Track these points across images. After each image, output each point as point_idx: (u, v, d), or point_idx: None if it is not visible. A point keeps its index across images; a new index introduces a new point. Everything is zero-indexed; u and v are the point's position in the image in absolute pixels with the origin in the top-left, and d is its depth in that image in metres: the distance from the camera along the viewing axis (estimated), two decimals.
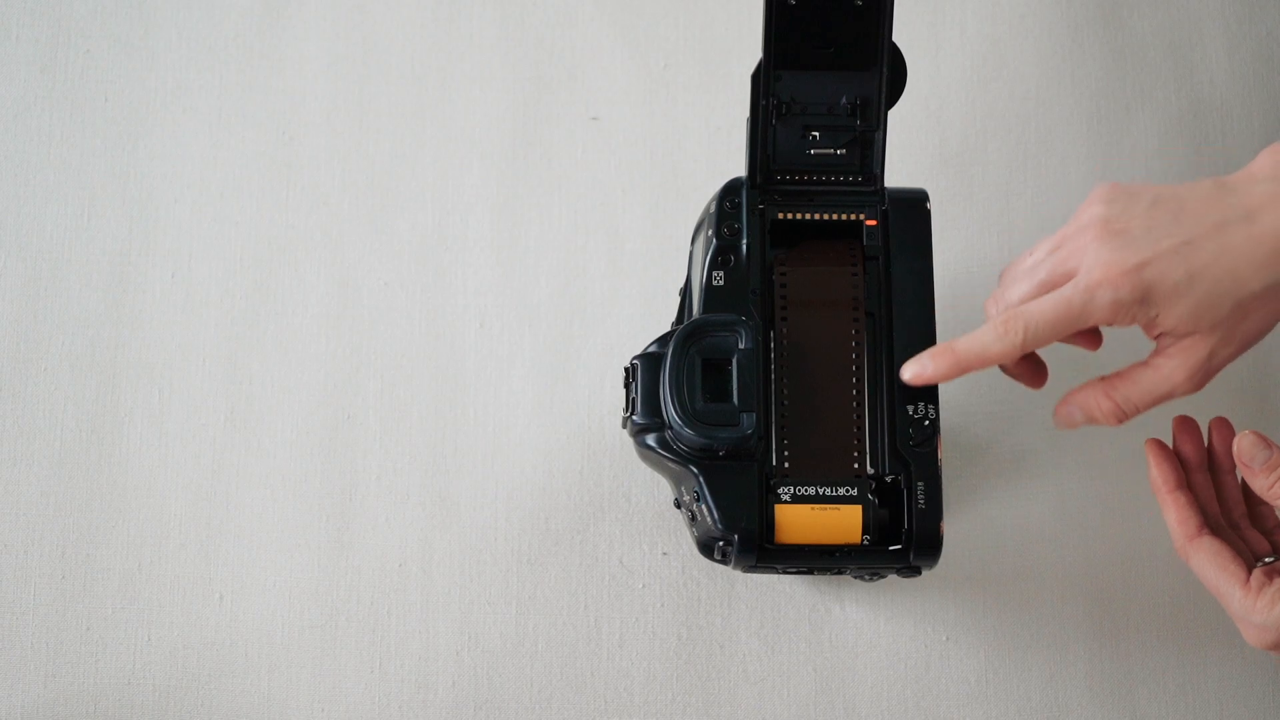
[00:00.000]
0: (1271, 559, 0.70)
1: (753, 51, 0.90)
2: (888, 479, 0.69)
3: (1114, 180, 0.87)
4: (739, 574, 0.81)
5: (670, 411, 0.68)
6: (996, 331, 0.67)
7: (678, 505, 0.71)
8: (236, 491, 0.82)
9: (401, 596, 0.81)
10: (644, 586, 0.81)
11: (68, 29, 0.88)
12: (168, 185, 0.86)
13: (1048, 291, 0.67)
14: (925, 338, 0.70)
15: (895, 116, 0.89)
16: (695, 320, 0.69)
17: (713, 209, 0.72)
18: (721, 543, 0.68)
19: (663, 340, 0.70)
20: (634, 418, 0.69)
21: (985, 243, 0.86)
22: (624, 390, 0.71)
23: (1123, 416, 0.69)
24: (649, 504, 0.82)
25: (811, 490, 0.68)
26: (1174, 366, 0.67)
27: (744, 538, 0.67)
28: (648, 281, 0.86)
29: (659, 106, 0.88)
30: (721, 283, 0.71)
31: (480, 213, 0.86)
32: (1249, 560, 0.69)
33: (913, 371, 0.69)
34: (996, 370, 0.84)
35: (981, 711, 0.80)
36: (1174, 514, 0.70)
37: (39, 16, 0.88)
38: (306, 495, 0.82)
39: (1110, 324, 0.67)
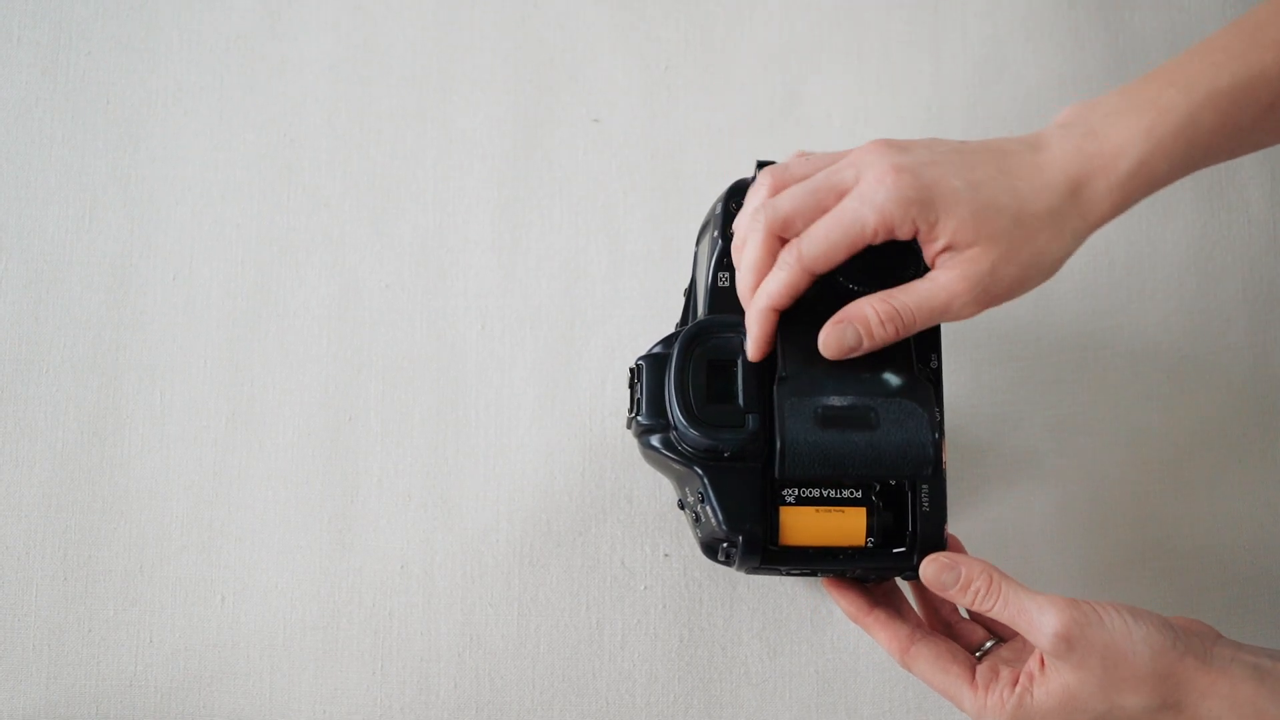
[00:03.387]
0: (990, 643, 0.70)
1: (753, 52, 0.90)
2: (891, 482, 0.69)
3: None
4: (741, 576, 0.81)
5: (675, 412, 0.67)
6: (779, 267, 0.66)
7: (681, 506, 0.71)
8: (238, 493, 0.82)
9: (403, 598, 0.81)
10: (646, 588, 0.81)
11: (69, 31, 0.88)
12: (169, 187, 0.86)
13: (822, 202, 0.66)
14: (929, 339, 0.70)
15: (896, 117, 0.90)
16: (700, 321, 0.69)
17: (718, 210, 0.72)
18: (725, 544, 0.68)
19: (668, 341, 0.70)
20: (639, 418, 0.69)
21: None
22: (629, 391, 0.71)
23: (899, 326, 0.65)
24: (651, 506, 0.82)
25: (816, 492, 0.68)
26: (954, 277, 0.64)
27: (748, 539, 0.67)
28: (649, 283, 0.86)
29: (660, 108, 0.88)
30: (727, 284, 0.71)
31: (481, 215, 0.86)
32: (969, 655, 0.69)
33: (756, 350, 0.67)
34: (999, 372, 0.84)
35: None
36: (881, 633, 0.69)
37: (41, 19, 0.88)
38: (308, 497, 0.82)
39: (890, 231, 0.64)
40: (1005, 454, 0.83)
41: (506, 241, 0.86)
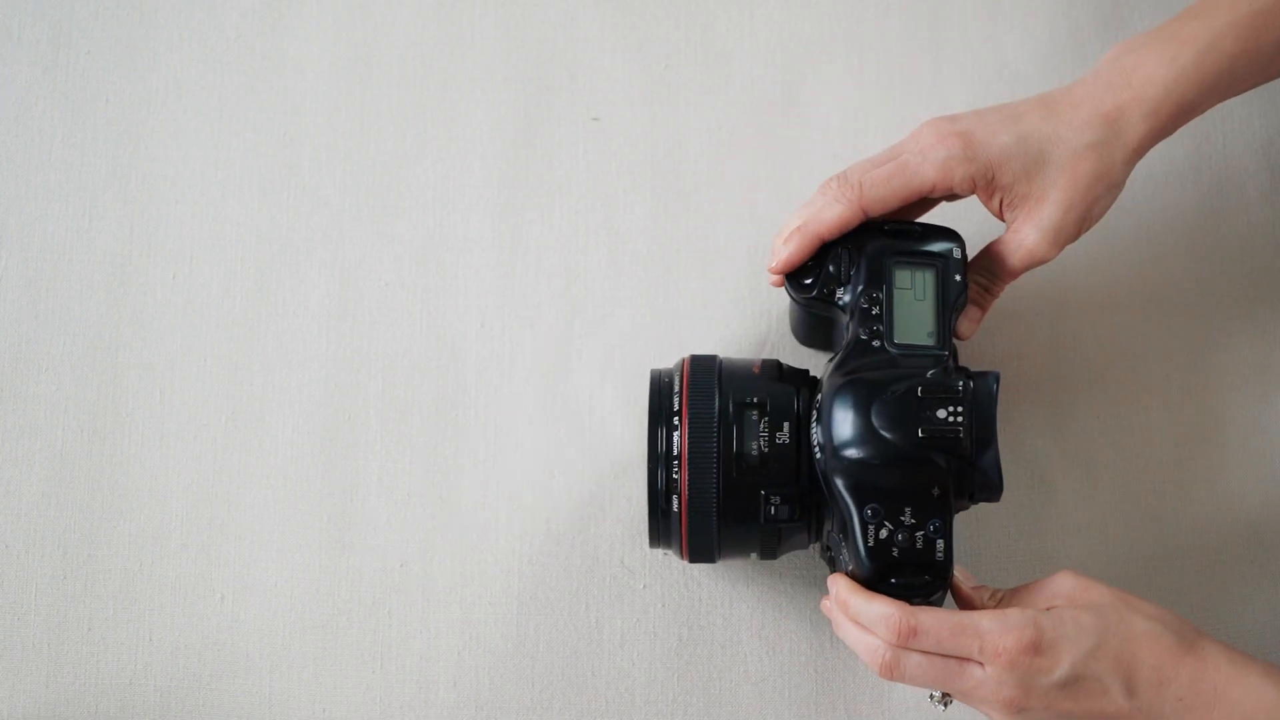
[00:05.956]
0: None
1: (753, 52, 0.90)
2: None
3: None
4: (741, 575, 0.81)
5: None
6: (831, 193, 0.72)
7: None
8: (238, 492, 0.82)
9: (403, 597, 0.81)
10: (645, 587, 0.81)
11: (69, 29, 0.88)
12: (169, 186, 0.86)
13: (884, 163, 0.72)
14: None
15: (895, 117, 0.89)
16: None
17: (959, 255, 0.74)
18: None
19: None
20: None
21: None
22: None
23: (1000, 286, 0.75)
24: None
25: None
26: (1026, 230, 0.72)
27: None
28: (649, 282, 0.86)
29: (660, 107, 0.88)
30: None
31: (481, 213, 0.86)
32: None
33: (778, 262, 0.72)
34: (999, 371, 0.84)
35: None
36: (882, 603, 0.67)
37: (40, 17, 0.88)
38: (308, 495, 0.82)
39: (948, 187, 0.72)
40: (1005, 454, 0.83)
41: (506, 240, 0.86)
